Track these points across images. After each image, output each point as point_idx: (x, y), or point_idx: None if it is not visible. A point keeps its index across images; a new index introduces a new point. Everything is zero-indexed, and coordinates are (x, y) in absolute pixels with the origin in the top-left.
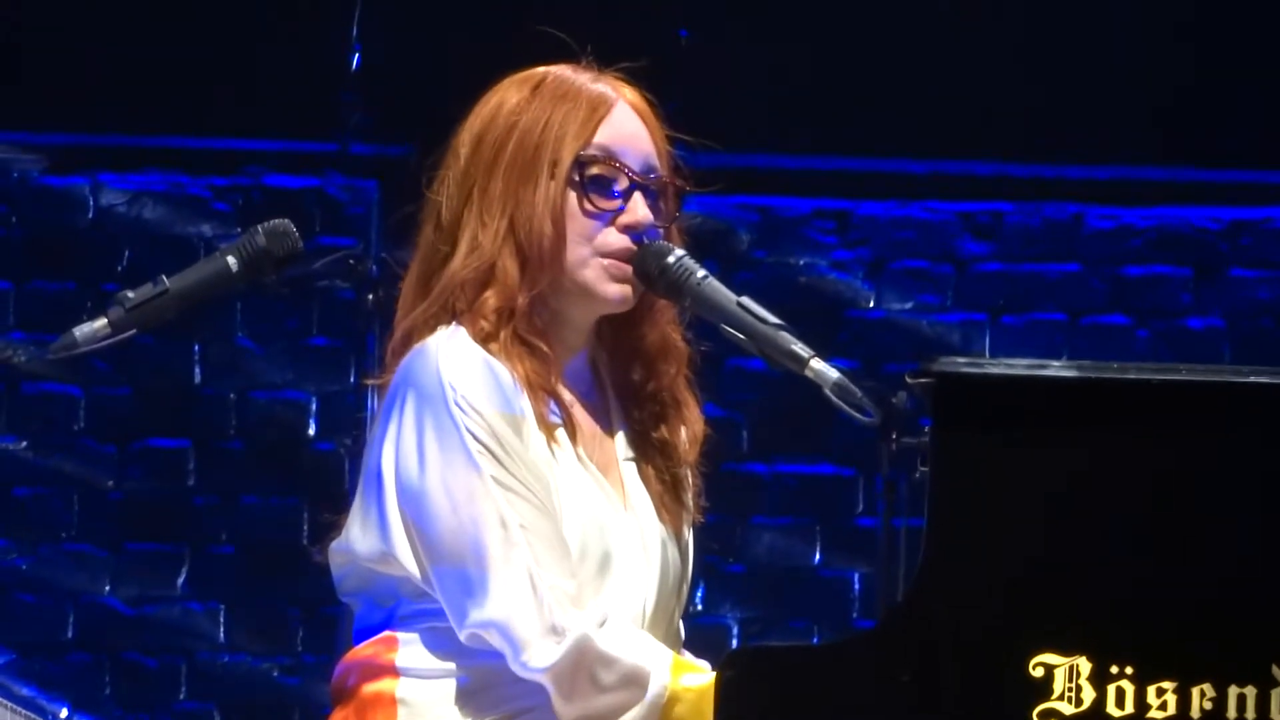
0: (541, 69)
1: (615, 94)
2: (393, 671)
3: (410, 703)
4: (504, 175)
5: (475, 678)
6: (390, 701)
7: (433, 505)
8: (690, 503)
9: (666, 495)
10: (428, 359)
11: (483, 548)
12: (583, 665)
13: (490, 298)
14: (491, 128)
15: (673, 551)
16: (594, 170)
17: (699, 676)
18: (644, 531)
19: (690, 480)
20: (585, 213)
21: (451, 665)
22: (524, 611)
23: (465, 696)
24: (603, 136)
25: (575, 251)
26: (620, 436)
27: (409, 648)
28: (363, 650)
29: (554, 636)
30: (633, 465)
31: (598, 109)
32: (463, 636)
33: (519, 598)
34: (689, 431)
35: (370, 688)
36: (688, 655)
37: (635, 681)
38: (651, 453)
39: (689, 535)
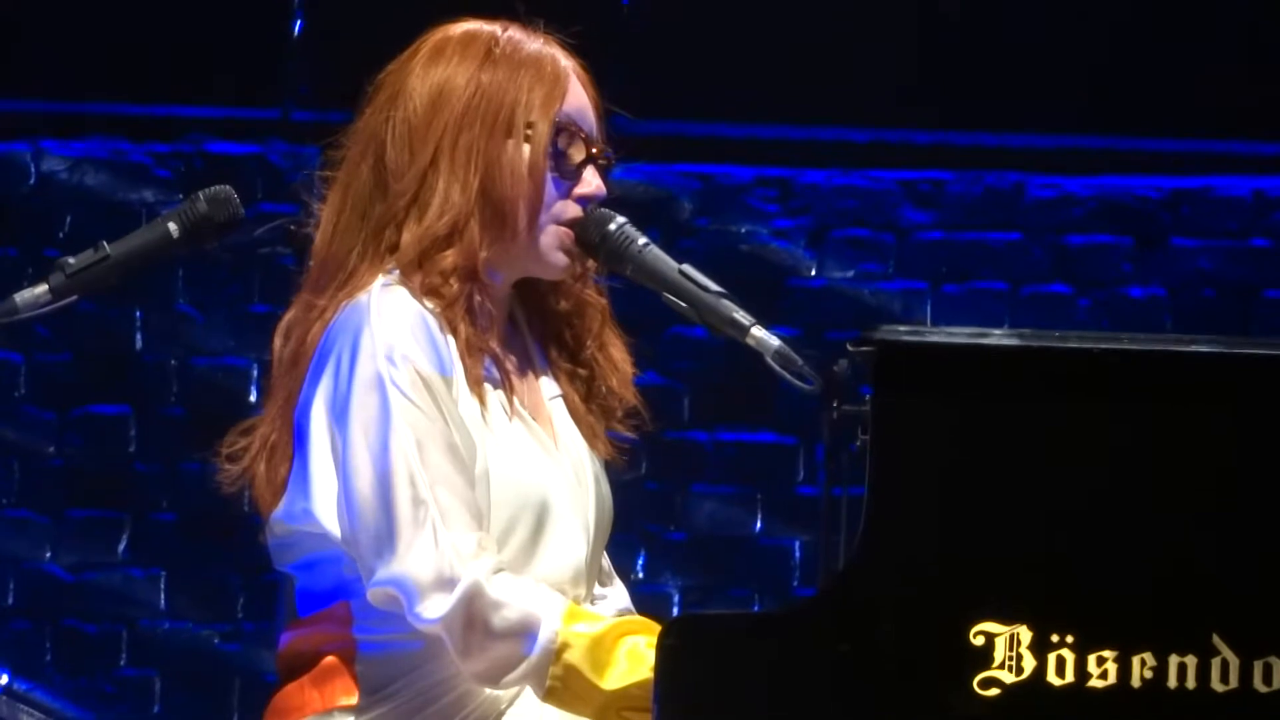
0: (487, 26)
1: (566, 61)
2: (349, 640)
3: (370, 669)
4: (476, 132)
5: (432, 642)
6: (349, 669)
7: (352, 460)
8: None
9: (597, 427)
10: (362, 315)
11: (392, 504)
12: (474, 613)
13: (449, 256)
14: (454, 81)
15: (605, 482)
16: (561, 139)
17: (592, 624)
18: (577, 468)
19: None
20: (553, 180)
21: (408, 631)
22: (423, 566)
23: (423, 660)
24: (568, 105)
25: (540, 217)
26: (545, 377)
27: (364, 616)
28: (316, 619)
29: (447, 589)
30: (560, 402)
31: (561, 76)
32: (370, 596)
33: (420, 553)
34: (618, 374)
35: (327, 656)
36: (613, 591)
37: (527, 627)
38: (581, 390)
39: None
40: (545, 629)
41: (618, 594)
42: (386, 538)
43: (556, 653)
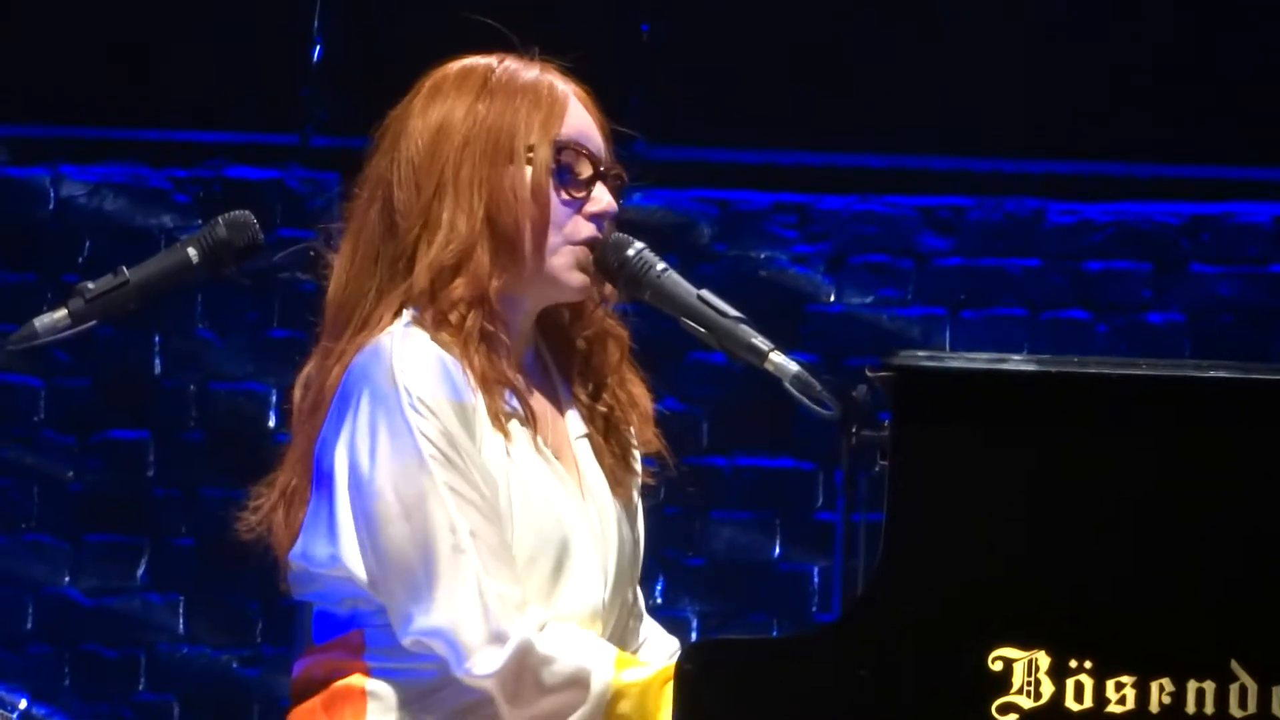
0: (483, 60)
1: (564, 86)
2: (362, 666)
3: (380, 696)
4: (477, 162)
5: (443, 669)
6: (360, 695)
7: (384, 509)
8: (638, 468)
9: (618, 468)
10: (382, 359)
11: (431, 554)
12: (526, 669)
13: (459, 287)
14: (452, 116)
15: (627, 526)
16: (564, 158)
17: (642, 670)
18: (600, 511)
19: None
20: (560, 200)
21: (419, 661)
22: (470, 619)
23: (434, 688)
24: (568, 126)
25: (549, 238)
26: (570, 414)
27: (376, 645)
28: (330, 646)
29: (498, 643)
30: (585, 442)
31: (558, 99)
32: (405, 643)
33: (466, 605)
34: (638, 410)
35: (339, 682)
36: (650, 630)
37: (579, 681)
38: (602, 427)
39: (639, 501)
40: (598, 680)
41: (652, 632)
42: (425, 585)
43: (610, 703)
